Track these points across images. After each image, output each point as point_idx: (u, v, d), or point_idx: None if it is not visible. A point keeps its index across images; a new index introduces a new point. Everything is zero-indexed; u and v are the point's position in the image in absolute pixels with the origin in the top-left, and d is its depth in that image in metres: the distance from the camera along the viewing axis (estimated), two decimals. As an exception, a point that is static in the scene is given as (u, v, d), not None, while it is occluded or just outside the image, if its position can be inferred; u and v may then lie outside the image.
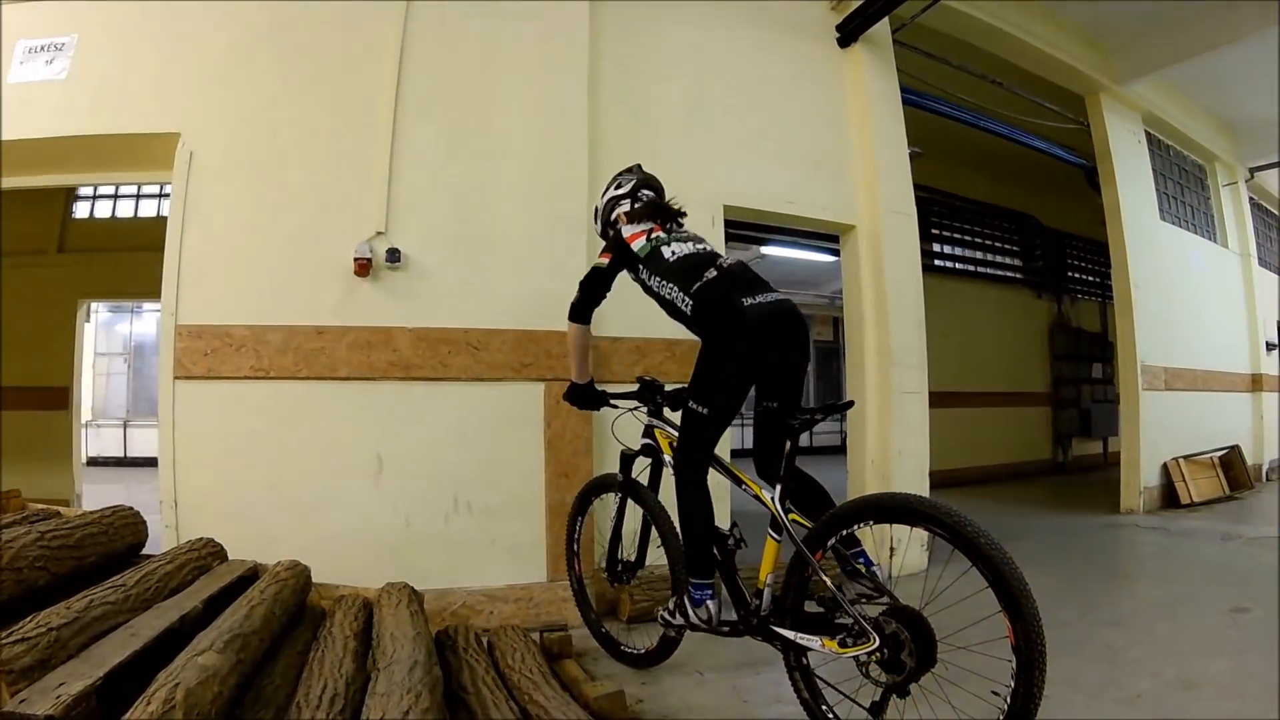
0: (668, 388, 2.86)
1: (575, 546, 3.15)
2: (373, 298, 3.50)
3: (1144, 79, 6.79)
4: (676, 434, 2.56)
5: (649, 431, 2.85)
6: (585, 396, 2.89)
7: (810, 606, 2.19)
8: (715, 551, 2.45)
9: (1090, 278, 11.33)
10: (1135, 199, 6.90)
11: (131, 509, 3.12)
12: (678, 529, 2.54)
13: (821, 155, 4.66)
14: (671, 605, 2.54)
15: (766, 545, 2.30)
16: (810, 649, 2.12)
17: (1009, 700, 1.73)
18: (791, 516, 2.24)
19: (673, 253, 2.55)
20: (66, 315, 6.91)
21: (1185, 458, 6.88)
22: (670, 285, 2.47)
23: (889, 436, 4.47)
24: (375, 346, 3.48)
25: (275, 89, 3.60)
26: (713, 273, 2.40)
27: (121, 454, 13.26)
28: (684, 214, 2.80)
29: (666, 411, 2.86)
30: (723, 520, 2.55)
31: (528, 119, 3.77)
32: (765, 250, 8.57)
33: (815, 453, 18.29)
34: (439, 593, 2.89)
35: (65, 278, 7.01)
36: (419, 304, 3.53)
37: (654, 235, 2.62)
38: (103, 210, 7.76)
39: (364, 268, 3.46)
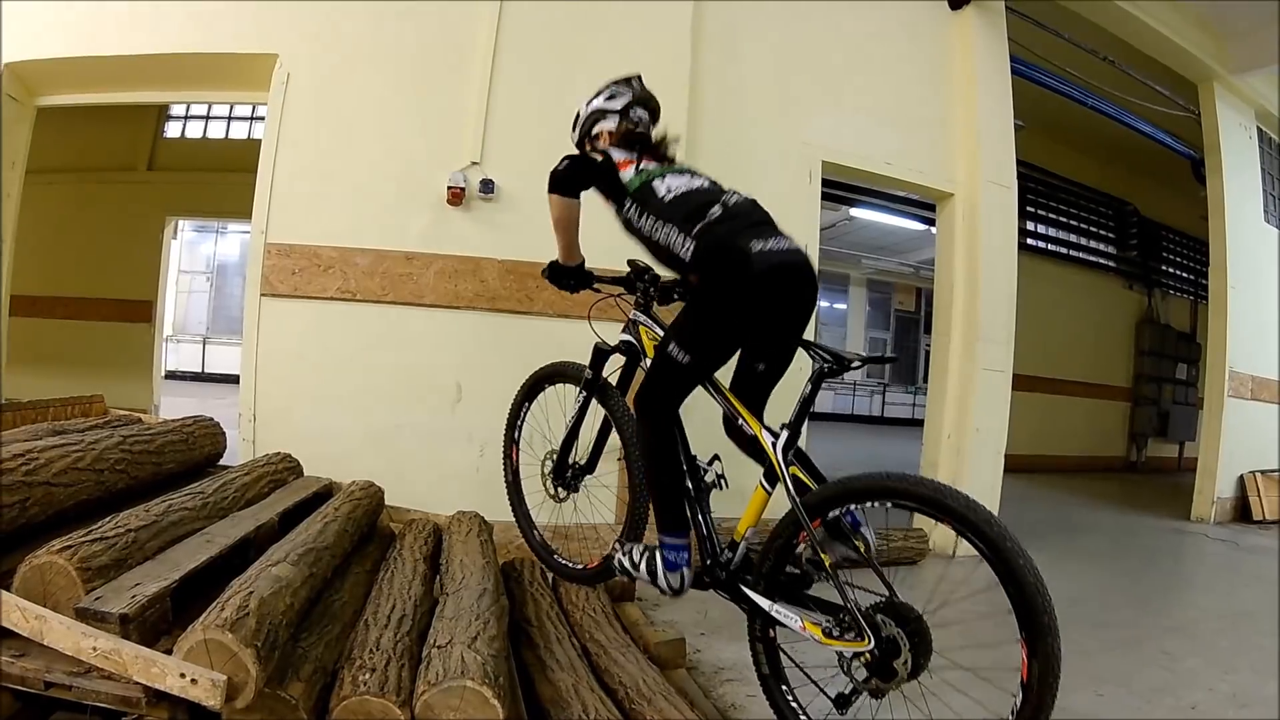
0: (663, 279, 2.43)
1: (516, 434, 2.84)
2: (463, 227, 3.53)
3: (1260, 71, 6.34)
4: (660, 338, 2.19)
5: (631, 326, 2.45)
6: (569, 275, 2.47)
7: (789, 577, 1.96)
8: (689, 485, 2.13)
9: (1184, 274, 10.87)
10: (1241, 196, 6.53)
11: (211, 420, 3.23)
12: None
13: (923, 119, 4.51)
14: (636, 555, 2.16)
15: (754, 496, 2.00)
16: (785, 625, 1.87)
17: None
18: (792, 471, 1.90)
19: (667, 189, 2.15)
20: (153, 232, 7.10)
21: (1263, 472, 6.59)
22: (667, 228, 2.06)
23: (968, 413, 4.36)
24: (463, 275, 3.51)
25: (375, 15, 3.59)
26: (718, 210, 2.04)
27: (199, 369, 13.88)
28: (673, 158, 2.35)
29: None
30: (704, 450, 2.21)
31: (630, 56, 3.60)
32: (854, 212, 8.30)
33: (886, 423, 18.15)
34: (507, 525, 2.88)
35: (154, 195, 7.21)
36: (509, 236, 3.53)
37: (644, 167, 2.23)
38: (194, 131, 7.95)
39: (457, 196, 3.48)
